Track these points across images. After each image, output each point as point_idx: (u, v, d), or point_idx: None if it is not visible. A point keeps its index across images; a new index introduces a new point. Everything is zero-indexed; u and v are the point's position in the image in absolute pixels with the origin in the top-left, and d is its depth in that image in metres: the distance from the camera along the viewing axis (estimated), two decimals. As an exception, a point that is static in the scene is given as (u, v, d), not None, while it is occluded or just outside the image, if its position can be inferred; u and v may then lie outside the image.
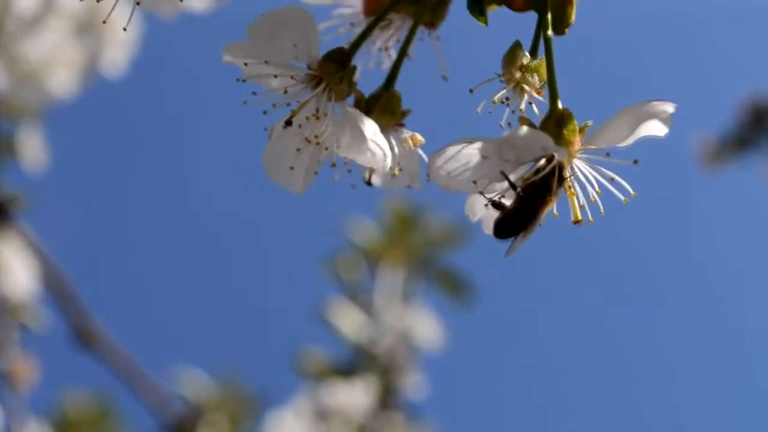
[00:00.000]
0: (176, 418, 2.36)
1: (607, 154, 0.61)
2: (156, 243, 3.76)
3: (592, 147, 0.61)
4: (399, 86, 0.68)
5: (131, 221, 3.78)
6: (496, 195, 0.63)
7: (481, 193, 0.62)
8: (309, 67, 0.65)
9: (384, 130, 0.64)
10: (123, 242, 3.75)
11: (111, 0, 0.72)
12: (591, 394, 4.06)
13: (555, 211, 0.63)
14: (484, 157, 0.61)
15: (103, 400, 2.54)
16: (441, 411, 2.76)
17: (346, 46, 0.67)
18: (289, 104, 0.65)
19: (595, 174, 0.62)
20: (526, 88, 0.63)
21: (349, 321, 2.66)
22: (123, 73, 2.12)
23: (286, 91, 0.64)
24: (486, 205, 0.63)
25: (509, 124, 0.63)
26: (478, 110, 0.63)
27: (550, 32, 0.64)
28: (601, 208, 0.62)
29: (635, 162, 0.61)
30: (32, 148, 2.13)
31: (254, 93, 0.66)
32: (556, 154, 0.60)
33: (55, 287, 2.10)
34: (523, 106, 0.63)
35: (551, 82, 0.63)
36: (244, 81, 0.65)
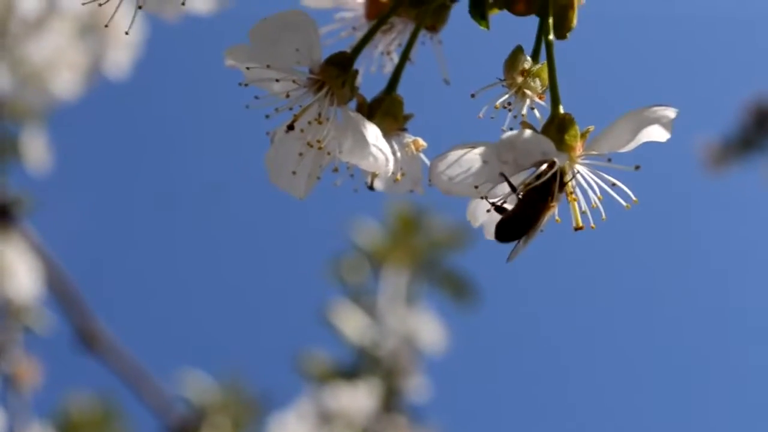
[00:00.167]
0: (179, 420, 2.36)
1: (609, 160, 0.61)
2: (159, 245, 3.77)
3: (594, 152, 0.61)
4: (401, 90, 0.68)
5: (135, 223, 3.78)
6: (498, 200, 0.62)
7: (483, 197, 0.62)
8: (311, 71, 0.65)
9: (386, 134, 0.64)
10: (127, 244, 3.75)
11: (114, 2, 0.72)
12: (594, 397, 4.06)
13: (557, 217, 0.63)
14: (485, 161, 0.60)
15: (106, 403, 2.54)
16: (444, 414, 2.75)
17: (348, 50, 0.67)
18: (291, 108, 0.65)
19: (596, 179, 0.62)
20: (528, 92, 0.63)
21: (352, 323, 2.66)
22: (126, 75, 2.12)
23: (288, 96, 0.64)
24: (488, 210, 0.63)
25: (511, 128, 0.63)
26: (480, 115, 0.63)
27: (551, 36, 0.64)
28: (603, 213, 0.62)
29: (637, 168, 0.60)
30: (36, 149, 2.13)
31: (256, 97, 0.66)
32: (556, 159, 0.60)
33: (59, 289, 2.10)
34: (524, 110, 0.63)
35: (553, 87, 0.63)
36: (246, 85, 0.65)
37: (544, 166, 0.60)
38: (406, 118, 0.67)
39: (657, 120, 0.59)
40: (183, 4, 0.82)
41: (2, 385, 2.04)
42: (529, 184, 0.61)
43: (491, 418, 3.78)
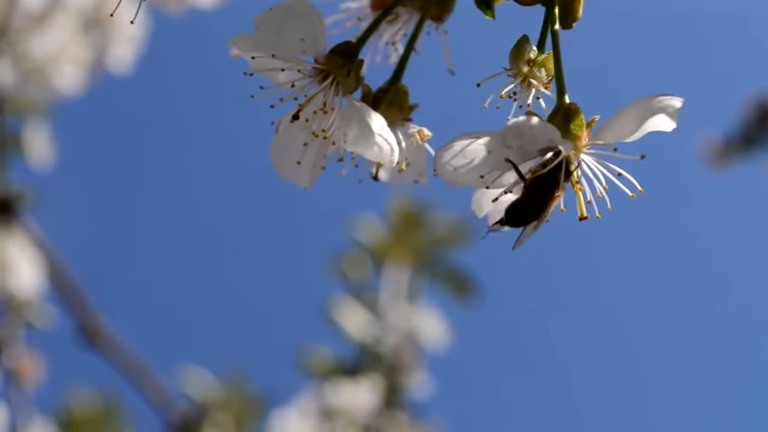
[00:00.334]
0: (181, 417, 2.36)
1: (615, 149, 0.61)
2: (162, 240, 3.77)
3: (600, 142, 0.61)
4: (406, 80, 0.68)
5: (137, 218, 3.78)
6: (504, 189, 0.62)
7: (488, 187, 0.62)
8: (316, 61, 0.65)
9: (391, 124, 0.64)
10: (129, 239, 3.75)
11: (118, -4, 0.72)
12: (597, 394, 4.06)
13: (562, 207, 0.63)
14: (490, 151, 0.60)
15: (108, 399, 2.54)
16: (446, 410, 2.75)
17: (353, 40, 0.67)
18: (296, 98, 0.65)
19: (602, 169, 0.62)
20: (534, 82, 0.63)
21: (354, 320, 2.66)
22: (130, 70, 2.12)
23: (293, 85, 0.64)
24: (494, 200, 0.63)
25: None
26: (486, 105, 0.63)
27: (557, 26, 0.64)
28: (609, 203, 0.62)
29: (643, 157, 0.60)
30: (38, 144, 2.13)
31: (261, 87, 0.66)
32: (561, 147, 0.60)
33: (61, 284, 2.10)
34: (530, 100, 0.63)
35: (558, 77, 0.63)
36: (251, 75, 0.65)
37: (550, 154, 0.60)
38: (411, 108, 0.67)
39: (663, 109, 0.59)
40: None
41: (4, 381, 2.04)
42: (536, 171, 0.61)
43: (493, 415, 3.78)
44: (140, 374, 2.20)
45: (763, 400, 3.93)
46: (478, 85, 0.62)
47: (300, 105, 0.64)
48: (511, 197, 0.62)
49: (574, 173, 0.61)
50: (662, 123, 0.60)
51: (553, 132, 0.59)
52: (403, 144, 0.65)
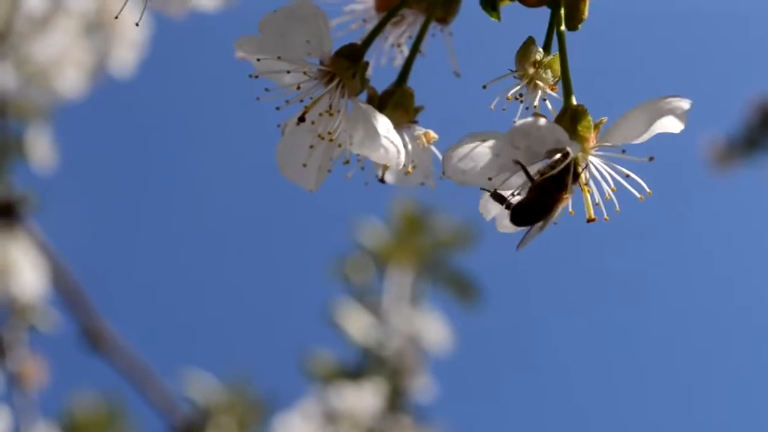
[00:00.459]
0: (184, 420, 2.36)
1: (623, 151, 0.60)
2: (165, 243, 3.77)
3: (607, 144, 0.61)
4: (411, 82, 0.67)
5: (140, 222, 3.78)
6: (513, 192, 0.62)
7: (496, 189, 0.62)
8: (321, 63, 0.64)
9: (397, 126, 0.64)
10: (132, 243, 3.75)
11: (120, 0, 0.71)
12: (600, 397, 4.05)
13: (570, 209, 0.62)
14: (497, 154, 0.60)
15: (111, 402, 2.54)
16: (449, 413, 2.75)
17: (359, 42, 0.66)
18: (302, 100, 0.64)
19: (610, 171, 0.61)
20: (540, 84, 0.62)
21: (357, 323, 2.65)
22: (132, 73, 2.12)
23: (299, 87, 0.64)
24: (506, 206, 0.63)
25: (523, 120, 0.62)
26: (492, 106, 0.62)
27: (563, 28, 0.64)
28: (617, 205, 0.62)
29: (651, 159, 0.60)
30: (41, 147, 2.13)
31: (267, 89, 0.65)
32: (569, 149, 0.59)
33: (64, 288, 2.10)
34: (536, 102, 0.62)
35: (565, 78, 0.63)
36: (256, 77, 0.65)
37: (558, 156, 0.59)
38: (417, 110, 0.67)
39: (671, 111, 0.59)
40: (189, 0, 0.81)
41: (7, 384, 2.04)
42: (544, 173, 0.60)
43: (496, 417, 3.77)
44: (143, 378, 2.20)
45: (763, 399, 3.93)
46: (484, 86, 0.62)
47: (306, 107, 0.64)
48: (519, 200, 0.62)
49: (582, 175, 0.61)
50: (670, 125, 0.59)
51: (561, 133, 0.59)
52: (410, 146, 0.65)
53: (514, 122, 0.61)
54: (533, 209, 0.61)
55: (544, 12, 0.65)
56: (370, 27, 0.70)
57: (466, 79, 0.69)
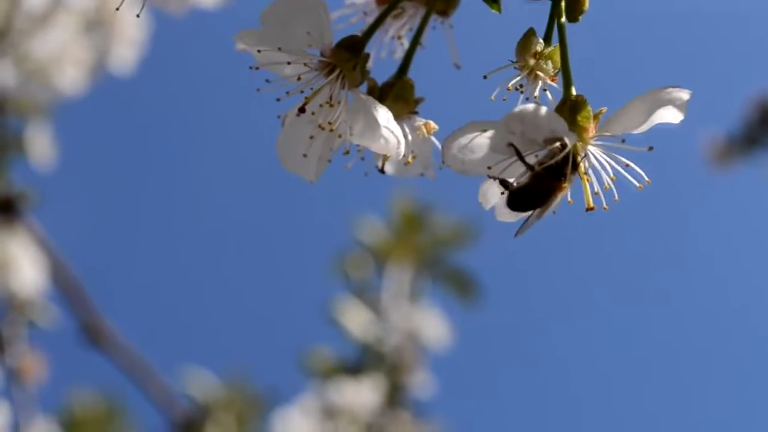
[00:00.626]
0: (184, 417, 2.36)
1: (623, 141, 0.61)
2: (164, 241, 3.77)
3: (607, 134, 0.61)
4: (412, 74, 0.68)
5: (140, 218, 3.78)
6: (512, 181, 0.62)
7: (495, 177, 0.62)
8: (322, 54, 0.65)
9: (397, 117, 0.64)
10: (131, 239, 3.75)
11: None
12: (598, 394, 4.06)
13: (569, 199, 0.62)
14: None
15: (110, 399, 2.54)
16: (448, 410, 2.75)
17: (359, 34, 0.67)
18: (302, 92, 0.65)
19: (609, 161, 0.62)
20: (540, 74, 0.63)
21: (356, 319, 2.66)
22: (131, 70, 2.12)
23: (299, 79, 0.64)
24: (503, 193, 0.63)
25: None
26: (492, 97, 0.63)
27: (563, 19, 0.64)
28: (616, 195, 0.62)
29: (650, 148, 0.60)
30: (41, 144, 2.13)
31: (267, 81, 0.65)
32: (566, 139, 0.60)
33: (64, 284, 2.10)
34: (537, 92, 0.62)
35: (565, 69, 0.63)
36: (257, 68, 0.65)
37: (558, 145, 0.60)
38: (417, 101, 0.67)
39: (671, 101, 0.59)
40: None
41: (7, 380, 2.04)
42: (543, 162, 0.60)
43: (495, 414, 3.77)
44: (143, 374, 2.20)
45: (761, 397, 3.93)
46: (485, 77, 0.62)
47: (306, 98, 0.64)
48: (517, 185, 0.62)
49: (581, 165, 0.61)
50: (670, 115, 0.59)
51: (558, 122, 0.59)
52: (410, 137, 0.65)
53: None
54: (531, 195, 0.62)
55: (545, 4, 0.65)
56: (370, 20, 0.70)
57: (467, 71, 0.70)
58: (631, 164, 0.61)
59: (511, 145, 0.60)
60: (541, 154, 0.61)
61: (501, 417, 3.82)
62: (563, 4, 0.64)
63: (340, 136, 0.65)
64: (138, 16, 0.68)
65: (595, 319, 4.00)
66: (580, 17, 0.65)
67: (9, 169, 2.10)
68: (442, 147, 0.61)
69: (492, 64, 0.63)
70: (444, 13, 0.70)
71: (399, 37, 0.71)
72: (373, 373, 2.60)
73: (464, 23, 0.70)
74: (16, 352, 2.04)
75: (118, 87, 2.19)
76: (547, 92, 0.63)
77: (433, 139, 0.66)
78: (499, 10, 0.66)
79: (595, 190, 0.62)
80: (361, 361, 2.65)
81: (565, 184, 0.61)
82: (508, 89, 0.62)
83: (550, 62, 0.63)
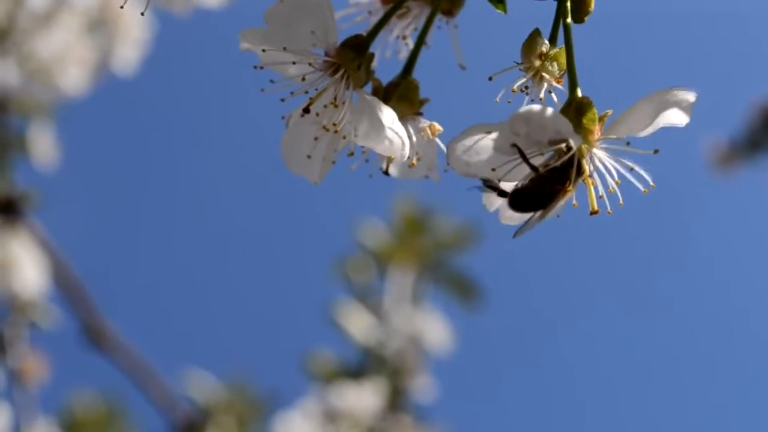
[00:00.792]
0: (185, 419, 2.35)
1: (628, 143, 0.60)
2: (166, 242, 3.77)
3: (612, 136, 0.61)
4: (416, 75, 0.67)
5: (142, 220, 3.78)
6: (516, 183, 0.62)
7: (500, 181, 0.62)
8: (327, 54, 0.64)
9: (402, 118, 0.64)
10: (133, 240, 3.75)
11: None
12: (601, 398, 4.05)
13: (575, 201, 0.62)
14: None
15: (112, 400, 2.54)
16: (450, 414, 2.75)
17: (364, 34, 0.66)
18: (306, 92, 0.64)
19: (614, 164, 0.61)
20: (546, 76, 0.62)
21: (358, 323, 2.65)
22: (135, 71, 2.12)
23: (304, 79, 0.64)
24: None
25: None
26: (497, 99, 0.62)
27: (569, 20, 0.64)
28: (620, 199, 0.62)
29: (656, 151, 0.60)
30: (43, 145, 2.13)
31: (272, 81, 0.65)
32: (571, 140, 0.59)
33: (66, 285, 2.10)
34: (542, 94, 0.62)
35: (571, 71, 0.63)
36: (261, 68, 0.64)
37: (563, 146, 0.59)
38: (422, 102, 0.67)
39: (676, 103, 0.59)
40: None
41: (8, 381, 2.04)
42: (547, 165, 0.60)
43: (496, 418, 3.77)
44: (144, 376, 2.20)
45: (761, 398, 3.93)
46: (490, 78, 0.62)
47: (311, 99, 0.64)
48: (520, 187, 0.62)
49: (586, 167, 0.60)
50: (675, 117, 0.59)
51: (563, 124, 0.59)
52: (414, 138, 0.65)
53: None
54: (533, 196, 0.61)
55: (551, 4, 0.65)
56: (375, 19, 0.70)
57: (472, 72, 0.69)
58: (636, 167, 0.61)
59: (515, 146, 0.59)
60: (547, 155, 0.60)
61: (503, 421, 3.82)
62: (569, 4, 0.64)
63: (344, 138, 0.64)
64: (142, 14, 0.68)
65: (598, 323, 3.99)
66: (586, 18, 0.64)
67: (11, 169, 2.10)
68: (447, 150, 0.61)
69: (497, 64, 0.63)
70: (449, 12, 0.70)
71: (404, 37, 0.71)
72: (374, 377, 2.60)
73: (469, 23, 0.70)
74: (17, 353, 2.04)
75: (121, 87, 2.19)
76: (553, 94, 0.62)
77: (438, 141, 0.66)
78: (505, 11, 0.66)
79: (600, 193, 0.62)
80: (362, 364, 2.65)
81: (570, 188, 0.61)
82: (514, 91, 0.62)
83: (555, 64, 0.62)
